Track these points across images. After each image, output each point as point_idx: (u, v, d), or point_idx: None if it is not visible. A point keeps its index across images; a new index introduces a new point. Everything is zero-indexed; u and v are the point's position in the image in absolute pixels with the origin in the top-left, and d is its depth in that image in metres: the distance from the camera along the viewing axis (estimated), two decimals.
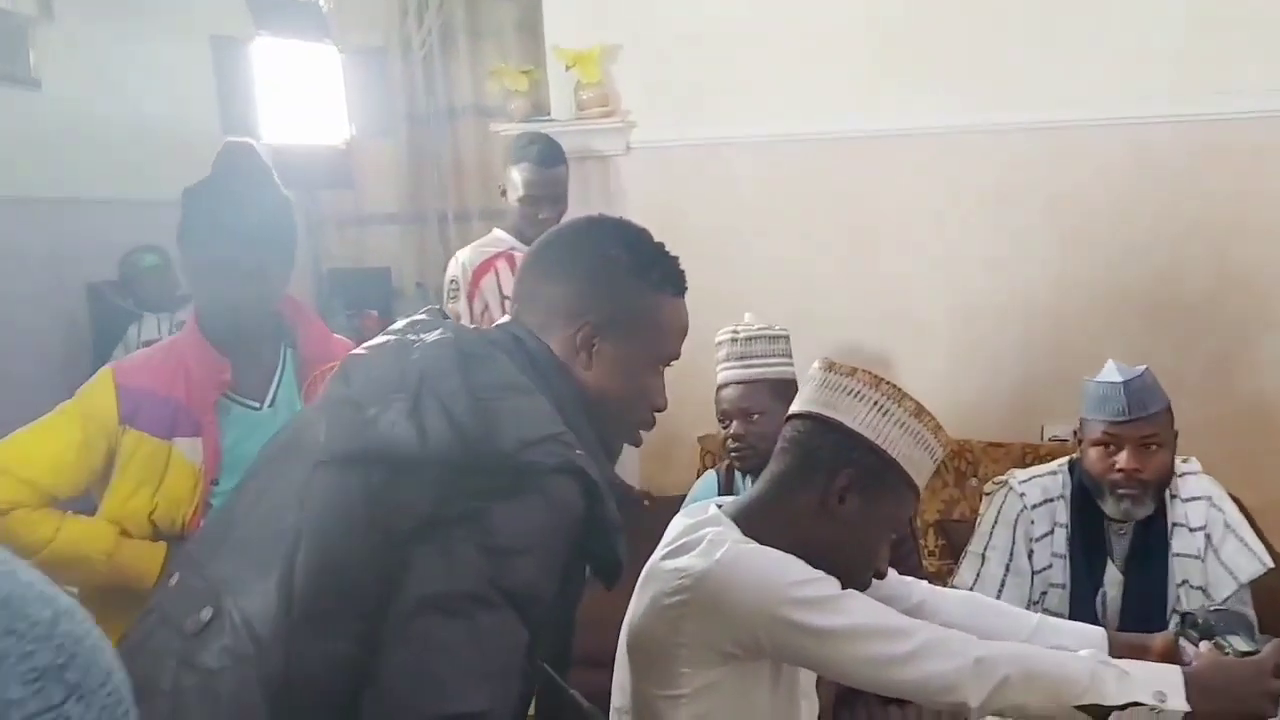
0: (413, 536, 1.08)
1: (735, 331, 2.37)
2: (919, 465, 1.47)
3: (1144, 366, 2.09)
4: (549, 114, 3.18)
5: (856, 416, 1.46)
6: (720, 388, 2.34)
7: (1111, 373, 2.09)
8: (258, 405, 1.84)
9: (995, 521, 2.17)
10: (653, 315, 1.32)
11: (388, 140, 4.82)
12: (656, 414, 1.38)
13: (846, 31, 3.07)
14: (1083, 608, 2.07)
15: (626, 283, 1.30)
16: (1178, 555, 2.08)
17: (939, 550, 2.86)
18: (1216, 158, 2.93)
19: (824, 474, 1.45)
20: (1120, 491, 2.03)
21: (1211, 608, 1.56)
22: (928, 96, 3.03)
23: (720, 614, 1.34)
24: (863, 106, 3.07)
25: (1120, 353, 2.93)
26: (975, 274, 3.10)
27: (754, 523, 1.44)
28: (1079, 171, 3.02)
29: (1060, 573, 2.11)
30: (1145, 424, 2.03)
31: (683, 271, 1.37)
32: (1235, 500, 2.15)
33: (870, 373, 1.51)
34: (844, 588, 1.41)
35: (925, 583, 1.64)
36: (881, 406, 1.46)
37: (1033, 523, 2.13)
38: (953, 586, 2.18)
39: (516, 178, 2.82)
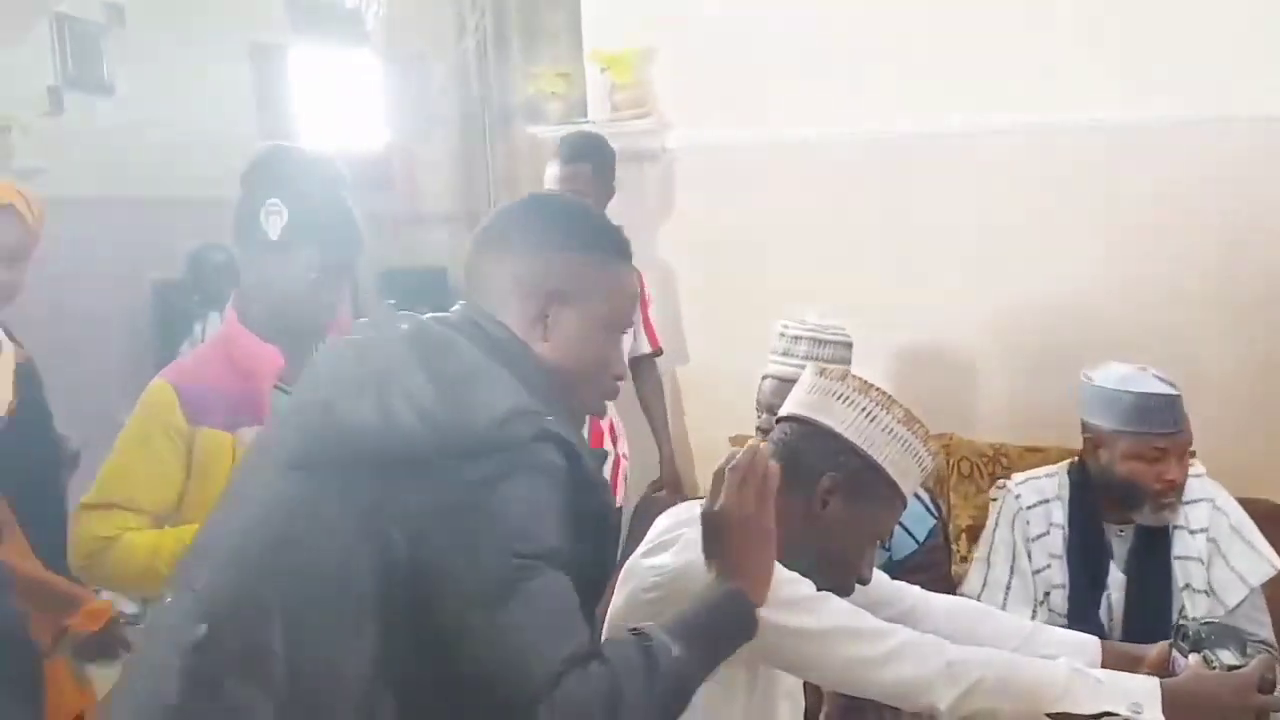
0: (419, 534, 1.10)
1: (786, 326, 2.39)
2: (905, 472, 1.47)
3: (1147, 366, 2.06)
4: (586, 116, 3.22)
5: (844, 421, 1.47)
6: (763, 377, 2.36)
7: (1149, 382, 2.03)
8: None
9: (996, 525, 2.18)
10: (603, 282, 1.33)
11: (442, 142, 4.92)
12: (619, 380, 1.39)
13: (889, 31, 3.05)
14: (1084, 609, 2.06)
15: (575, 253, 1.32)
16: (1179, 558, 2.06)
17: (971, 556, 2.83)
18: (1273, 159, 2.85)
19: (809, 477, 1.46)
20: (1164, 500, 2.02)
21: (1204, 620, 1.53)
22: (974, 96, 2.99)
23: None
24: (906, 106, 3.04)
25: (1170, 356, 2.87)
26: (1020, 275, 3.06)
27: None
28: (1129, 172, 2.97)
29: (1059, 574, 2.11)
30: (1188, 432, 2.02)
31: (628, 240, 1.39)
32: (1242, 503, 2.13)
33: (861, 378, 1.52)
34: (827, 591, 1.42)
35: (918, 588, 1.64)
36: (869, 412, 1.47)
37: (1028, 523, 2.13)
38: (962, 593, 2.18)
39: (547, 174, 2.91)
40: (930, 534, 2.23)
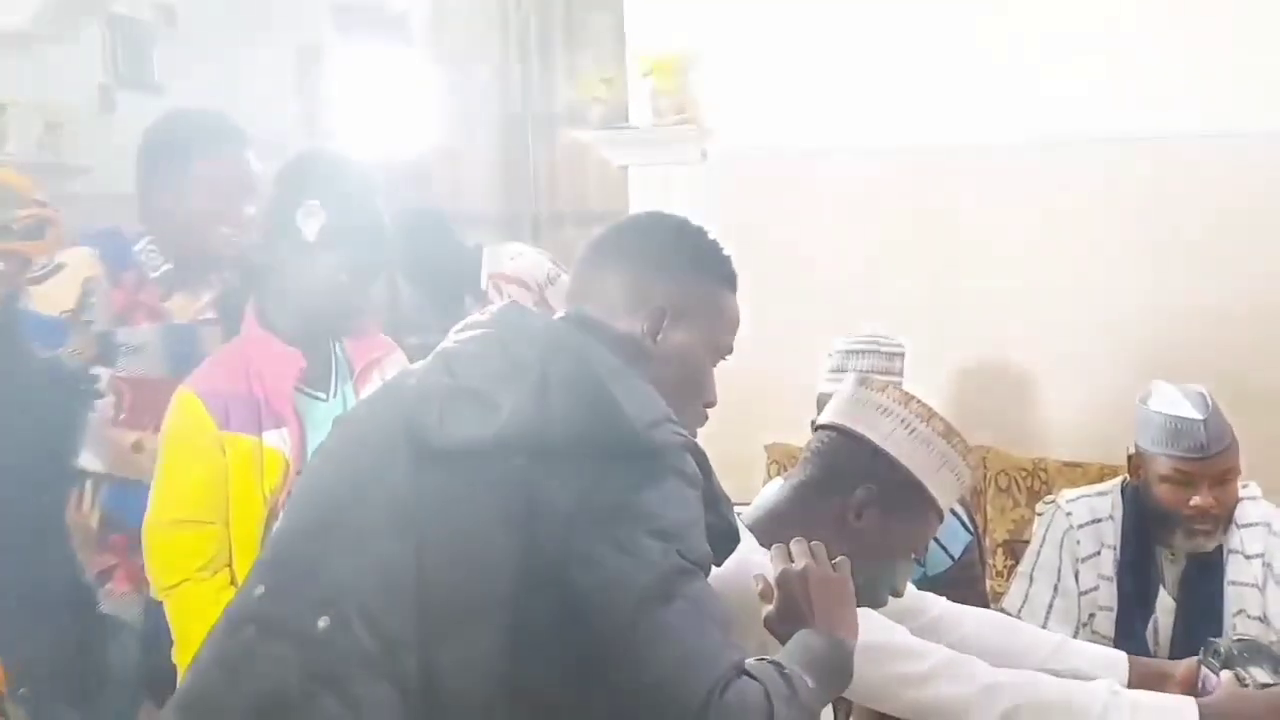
0: (567, 530, 1.06)
1: (838, 343, 2.38)
2: (943, 486, 1.45)
3: (1202, 389, 1.99)
4: (628, 121, 3.22)
5: (882, 432, 1.45)
6: (820, 395, 2.35)
7: (1179, 403, 1.97)
8: (324, 396, 1.91)
9: (1043, 541, 2.13)
10: (715, 305, 1.33)
11: (485, 143, 4.95)
12: (709, 410, 1.38)
13: (933, 41, 3.02)
14: (1131, 633, 2.02)
15: (690, 272, 1.32)
16: (1233, 583, 2.00)
17: (1007, 571, 2.80)
18: None
19: (844, 487, 1.45)
20: (1195, 527, 1.96)
21: (1235, 637, 1.51)
22: (1020, 107, 2.96)
23: (732, 619, 1.34)
24: (950, 117, 3.01)
25: (1218, 375, 2.81)
26: (1066, 289, 3.01)
27: (769, 532, 1.44)
28: (1176, 185, 2.92)
29: (1108, 596, 2.06)
30: (1222, 459, 1.94)
31: (735, 268, 1.38)
32: None
33: (902, 390, 1.51)
34: (858, 604, 1.41)
35: (944, 599, 1.62)
36: (908, 424, 1.45)
37: (1079, 542, 2.08)
38: (1002, 608, 2.15)
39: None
40: (965, 550, 2.19)
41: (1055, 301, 3.01)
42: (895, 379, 2.21)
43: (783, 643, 1.21)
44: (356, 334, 1.97)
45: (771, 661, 1.13)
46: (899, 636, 1.36)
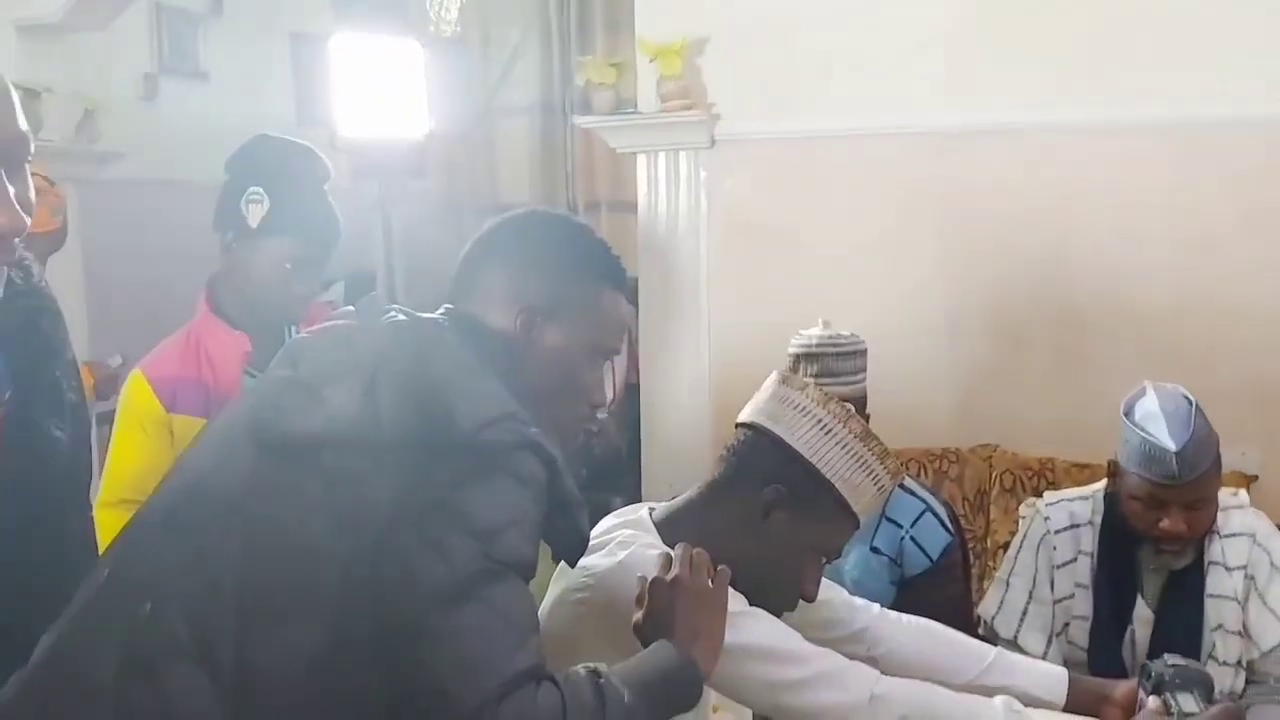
0: (387, 527, 1.07)
1: (800, 344, 2.20)
2: (859, 491, 1.40)
3: (1192, 404, 1.81)
4: (635, 107, 3.17)
5: (797, 432, 1.41)
6: None
7: (1157, 425, 1.79)
8: None
9: (1020, 546, 2.03)
10: (592, 305, 1.32)
11: (523, 131, 4.97)
12: (597, 410, 1.35)
13: (940, 24, 2.92)
14: (1106, 643, 1.91)
15: (566, 271, 1.31)
16: (1212, 596, 1.88)
17: None
18: None
19: (755, 487, 1.41)
20: (1162, 547, 1.86)
21: (1172, 662, 1.42)
22: (1027, 91, 2.86)
23: (616, 616, 1.31)
24: (957, 101, 2.91)
25: (1240, 373, 2.67)
26: (1085, 278, 2.88)
27: (677, 528, 1.42)
28: (1202, 171, 2.78)
29: (1084, 604, 1.95)
30: (1194, 487, 1.78)
31: (624, 267, 1.37)
32: None
33: (823, 390, 1.46)
34: (767, 607, 1.36)
35: (876, 608, 1.56)
36: (825, 425, 1.41)
37: (1055, 548, 1.97)
38: (978, 614, 2.07)
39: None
40: (945, 551, 2.10)
41: (1072, 294, 2.88)
42: (843, 380, 2.10)
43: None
44: (308, 320, 1.98)
45: (593, 670, 1.09)
46: (786, 641, 1.32)
